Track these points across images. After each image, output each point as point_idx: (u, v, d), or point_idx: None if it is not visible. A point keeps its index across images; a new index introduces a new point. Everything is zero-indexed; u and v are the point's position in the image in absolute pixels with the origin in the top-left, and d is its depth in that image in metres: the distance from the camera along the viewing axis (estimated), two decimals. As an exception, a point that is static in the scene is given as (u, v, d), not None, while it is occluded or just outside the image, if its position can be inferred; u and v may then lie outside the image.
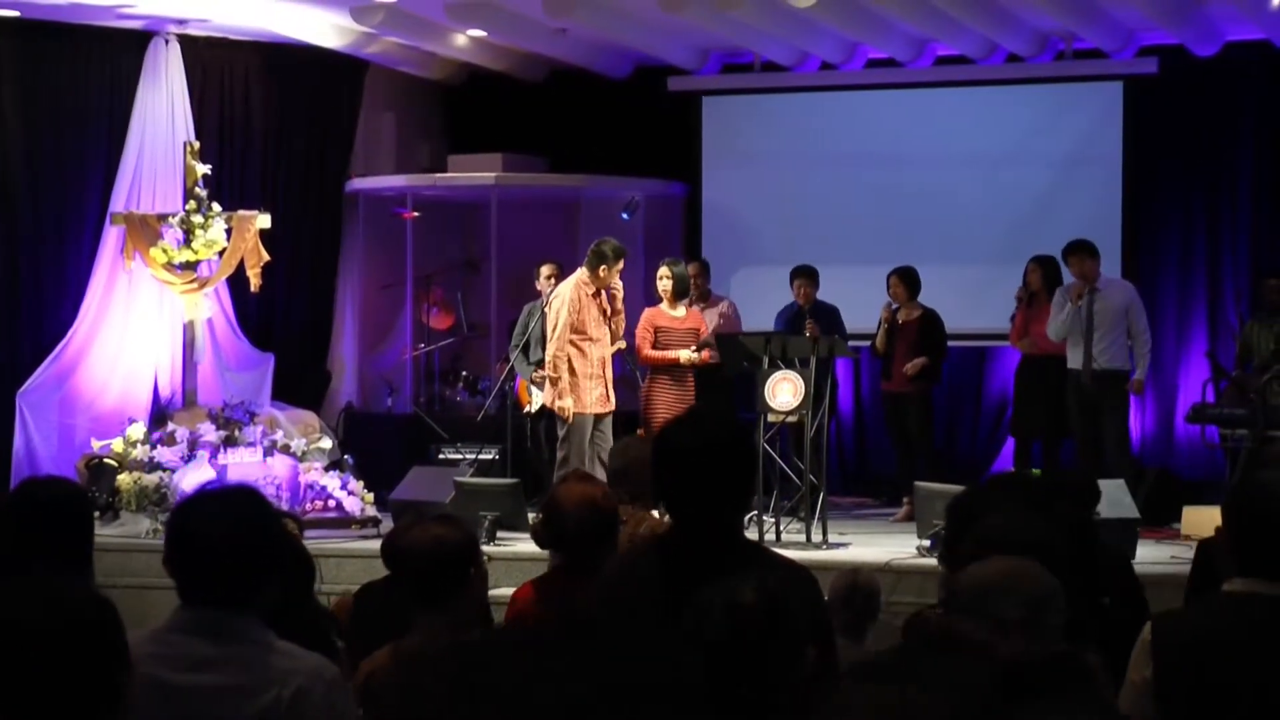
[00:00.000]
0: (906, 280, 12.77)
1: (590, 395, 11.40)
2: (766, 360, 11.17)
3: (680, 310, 12.01)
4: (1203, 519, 10.39)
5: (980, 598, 3.65)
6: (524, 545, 10.28)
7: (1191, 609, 4.30)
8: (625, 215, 15.04)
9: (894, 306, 12.78)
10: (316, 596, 5.40)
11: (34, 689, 2.70)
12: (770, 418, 11.00)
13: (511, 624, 5.35)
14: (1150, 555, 10.19)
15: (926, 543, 10.02)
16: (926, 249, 13.71)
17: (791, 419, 11.04)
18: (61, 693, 2.71)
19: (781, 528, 11.17)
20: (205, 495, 3.75)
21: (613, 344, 11.77)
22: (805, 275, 13.05)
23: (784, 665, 3.33)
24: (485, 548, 10.68)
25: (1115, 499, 9.70)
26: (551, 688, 1.86)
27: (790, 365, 11.15)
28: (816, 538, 10.89)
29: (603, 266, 11.40)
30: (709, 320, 13.22)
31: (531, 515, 11.19)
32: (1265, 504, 3.99)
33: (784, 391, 10.92)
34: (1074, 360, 12.16)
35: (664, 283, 12.01)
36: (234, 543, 3.58)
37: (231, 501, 3.69)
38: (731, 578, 3.43)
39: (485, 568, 4.99)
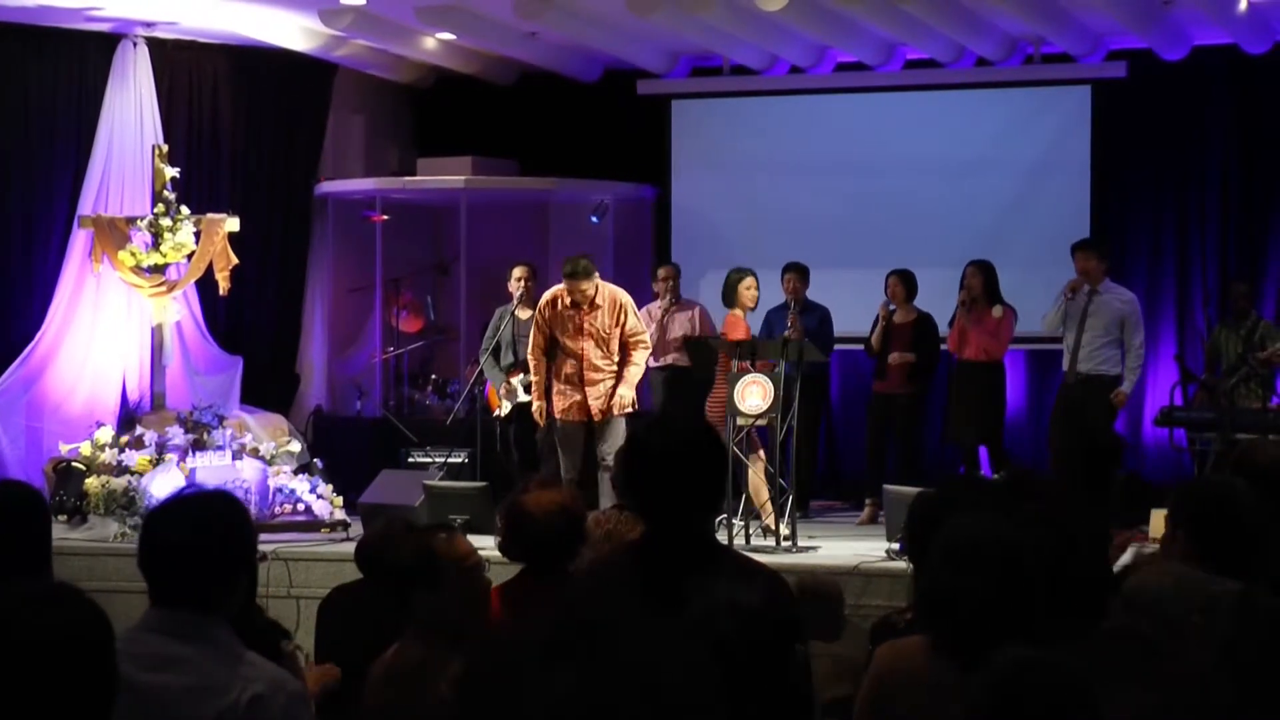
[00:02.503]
0: (906, 282, 12.80)
1: (559, 403, 11.44)
2: (736, 364, 11.17)
3: None
4: (1171, 522, 10.42)
5: (1157, 602, 3.66)
6: (494, 549, 10.26)
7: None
8: (595, 218, 15.07)
9: (891, 307, 12.79)
10: (260, 605, 5.38)
11: (23, 701, 2.64)
12: (739, 421, 11.00)
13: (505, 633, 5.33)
14: (1120, 558, 10.21)
15: (895, 545, 10.03)
16: (896, 252, 13.71)
17: (761, 422, 11.04)
18: (52, 706, 2.66)
19: (750, 531, 11.17)
20: (182, 498, 3.78)
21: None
22: (795, 270, 13.06)
23: (778, 667, 3.35)
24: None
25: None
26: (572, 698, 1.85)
27: (786, 366, 11.17)
28: (785, 541, 10.89)
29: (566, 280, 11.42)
30: (680, 323, 13.23)
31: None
32: (1229, 504, 4.02)
33: (753, 395, 10.92)
34: (1065, 361, 12.20)
35: (753, 291, 12.07)
36: (205, 546, 3.60)
37: (206, 505, 3.71)
38: (729, 580, 3.44)
39: (484, 579, 4.95)
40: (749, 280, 12.04)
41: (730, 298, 12.02)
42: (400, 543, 4.96)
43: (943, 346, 13.04)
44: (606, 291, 11.47)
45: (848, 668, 5.49)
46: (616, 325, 11.42)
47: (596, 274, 11.46)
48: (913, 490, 9.94)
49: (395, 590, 4.77)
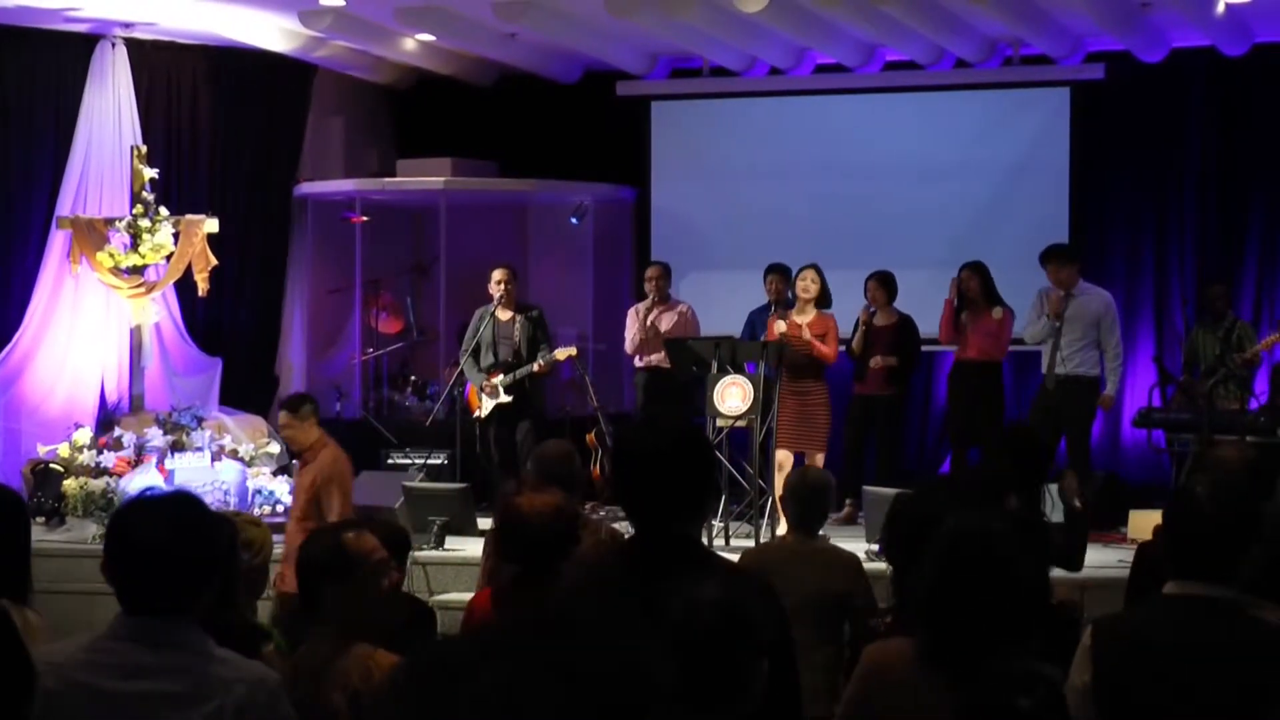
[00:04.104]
0: (885, 285, 12.80)
1: None
2: (715, 365, 11.19)
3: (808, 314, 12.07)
4: (1149, 522, 10.42)
5: None
6: (474, 549, 10.25)
7: (1131, 611, 4.34)
8: (574, 220, 15.07)
9: (871, 310, 12.80)
10: (241, 605, 5.37)
11: None
12: (719, 422, 11.02)
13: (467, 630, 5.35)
14: (1097, 559, 10.23)
15: (874, 547, 10.04)
16: (876, 254, 13.72)
17: (740, 424, 11.06)
18: None
19: (730, 532, 11.18)
20: (144, 502, 3.68)
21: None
22: (777, 272, 13.09)
23: (739, 671, 3.34)
24: (433, 552, 10.67)
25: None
26: (523, 690, 1.85)
27: (739, 370, 11.19)
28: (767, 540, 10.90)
29: None
30: (666, 323, 13.21)
31: (481, 520, 11.22)
32: (1200, 508, 4.03)
33: (733, 396, 10.94)
34: (1044, 364, 12.23)
35: (803, 282, 12.01)
36: (171, 549, 3.52)
37: (170, 508, 3.63)
38: (691, 577, 3.45)
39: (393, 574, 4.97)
40: (801, 273, 12.13)
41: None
42: (312, 540, 4.97)
43: (942, 349, 13.06)
44: (321, 451, 9.24)
45: None
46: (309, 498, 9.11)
47: (309, 420, 9.20)
48: (892, 491, 9.98)
49: (308, 586, 4.78)
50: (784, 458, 11.63)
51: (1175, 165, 14.52)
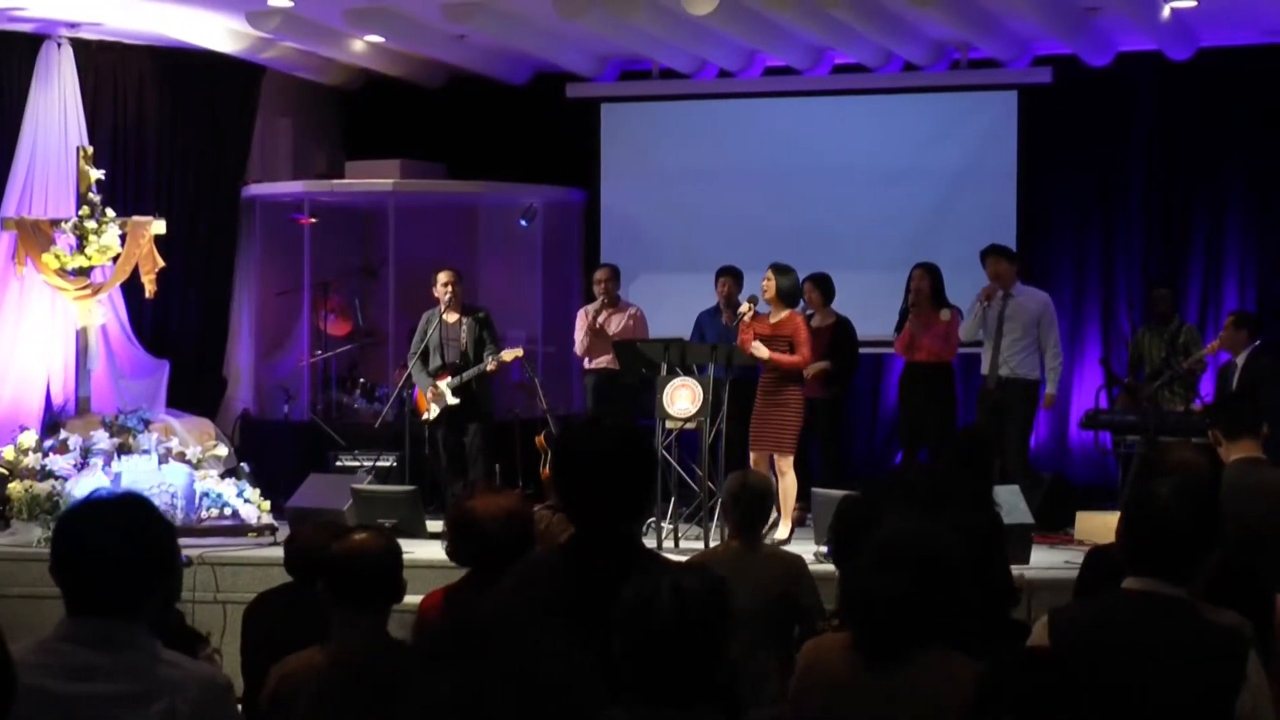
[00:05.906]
0: (821, 287, 12.78)
1: None
2: (665, 367, 11.19)
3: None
4: (1096, 524, 10.51)
5: None
6: (422, 552, 10.24)
7: (1089, 604, 4.37)
8: (524, 222, 15.06)
9: (808, 312, 12.80)
10: (181, 610, 5.36)
11: None
12: (668, 424, 11.02)
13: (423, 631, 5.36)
14: (1045, 560, 10.29)
15: (824, 549, 10.06)
16: (823, 255, 13.73)
17: (690, 426, 11.06)
18: None
19: (680, 534, 11.18)
20: (92, 503, 3.66)
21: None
22: (729, 274, 13.09)
23: (722, 648, 3.39)
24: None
25: (1010, 505, 9.77)
26: (467, 694, 1.86)
27: (689, 372, 11.19)
28: (715, 544, 10.90)
29: None
30: (616, 324, 13.20)
31: (430, 523, 11.21)
32: (1163, 509, 4.06)
33: (682, 398, 10.95)
34: (984, 365, 12.26)
35: (764, 283, 11.44)
36: (122, 551, 3.52)
37: (119, 509, 3.62)
38: (666, 572, 3.49)
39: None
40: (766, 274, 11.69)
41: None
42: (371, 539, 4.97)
43: (889, 350, 13.09)
44: None
45: None
46: None
47: None
48: (840, 493, 9.99)
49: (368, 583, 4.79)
50: (756, 459, 11.39)
51: (1122, 168, 14.62)
